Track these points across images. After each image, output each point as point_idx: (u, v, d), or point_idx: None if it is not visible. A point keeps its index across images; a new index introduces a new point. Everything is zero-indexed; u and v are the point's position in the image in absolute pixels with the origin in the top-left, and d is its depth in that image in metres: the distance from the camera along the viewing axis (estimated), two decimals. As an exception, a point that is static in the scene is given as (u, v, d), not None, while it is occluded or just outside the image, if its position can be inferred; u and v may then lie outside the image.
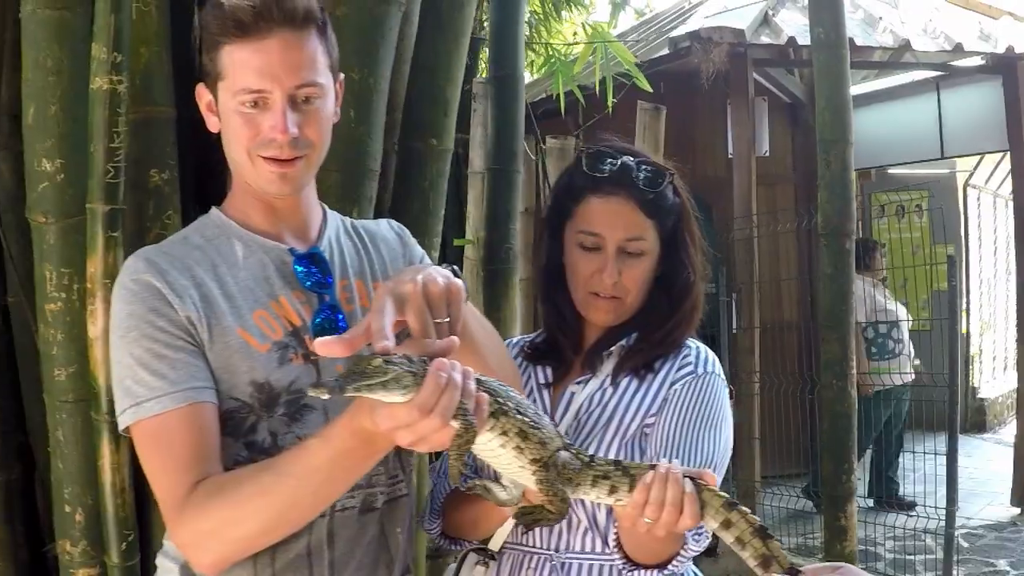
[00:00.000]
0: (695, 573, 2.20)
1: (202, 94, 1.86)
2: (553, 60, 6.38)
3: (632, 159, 2.13)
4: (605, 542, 2.04)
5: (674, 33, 8.12)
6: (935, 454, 6.40)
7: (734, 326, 7.21)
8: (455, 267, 1.75)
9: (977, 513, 7.80)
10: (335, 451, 1.57)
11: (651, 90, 5.10)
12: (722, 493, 1.69)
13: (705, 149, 8.74)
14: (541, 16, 7.43)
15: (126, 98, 2.18)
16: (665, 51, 7.89)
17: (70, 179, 2.22)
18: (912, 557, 6.59)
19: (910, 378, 7.73)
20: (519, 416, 1.64)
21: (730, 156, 8.15)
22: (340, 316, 1.88)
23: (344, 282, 1.94)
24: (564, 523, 2.01)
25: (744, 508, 1.68)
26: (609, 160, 2.12)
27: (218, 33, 1.75)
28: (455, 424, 1.48)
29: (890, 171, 10.61)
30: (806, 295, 8.94)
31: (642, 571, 1.96)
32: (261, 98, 1.75)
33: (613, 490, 1.69)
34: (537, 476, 1.68)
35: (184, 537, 1.69)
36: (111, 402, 2.20)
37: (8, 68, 2.36)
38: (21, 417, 2.52)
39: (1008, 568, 6.75)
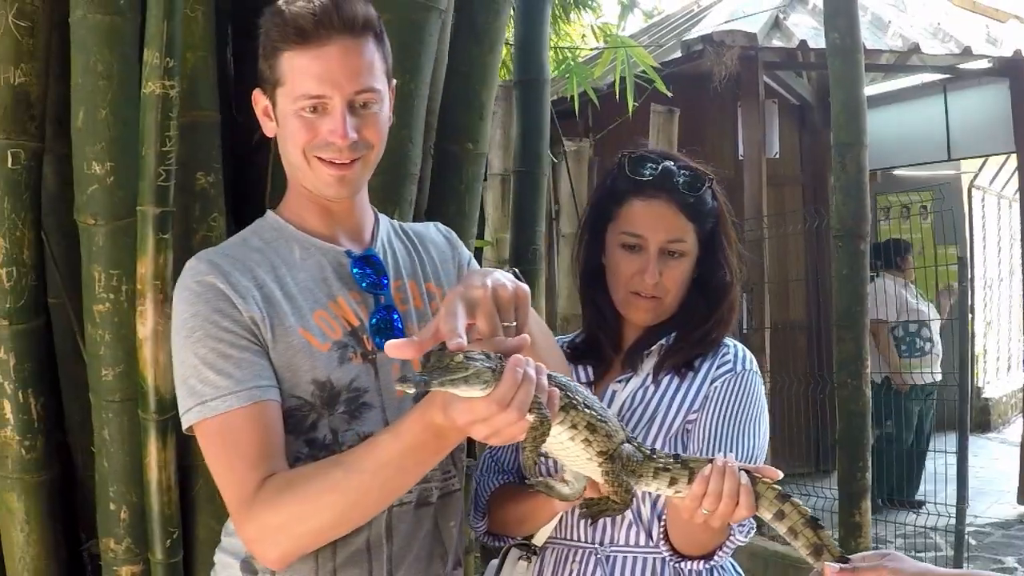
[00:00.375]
0: (733, 566, 2.25)
1: (259, 99, 1.91)
2: (567, 62, 6.41)
3: (673, 163, 2.20)
4: (649, 536, 2.10)
5: (686, 36, 8.15)
6: (944, 452, 6.44)
7: (745, 326, 7.24)
8: (516, 270, 1.79)
9: (984, 512, 7.83)
10: (405, 446, 1.60)
11: (669, 94, 5.14)
12: (775, 486, 1.74)
13: (715, 151, 8.73)
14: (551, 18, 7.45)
15: (177, 102, 2.21)
16: (676, 54, 7.95)
17: (119, 182, 2.25)
18: (922, 555, 6.60)
19: (939, 376, 7.78)
20: (587, 410, 1.69)
21: (740, 158, 8.18)
22: (396, 316, 1.93)
23: (398, 283, 1.99)
24: (609, 518, 2.07)
25: (796, 500, 1.74)
26: (651, 164, 2.19)
27: (278, 40, 1.80)
28: (530, 418, 1.52)
29: (895, 173, 10.64)
30: (813, 296, 8.99)
31: (688, 562, 2.02)
32: (320, 103, 1.80)
33: (673, 482, 1.75)
34: (603, 468, 1.72)
35: (251, 532, 1.71)
36: (159, 401, 2.25)
37: (42, 79, 2.37)
38: (60, 417, 2.53)
39: (1016, 565, 6.82)
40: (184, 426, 1.80)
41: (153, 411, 2.26)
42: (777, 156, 8.54)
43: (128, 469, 2.33)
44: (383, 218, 2.09)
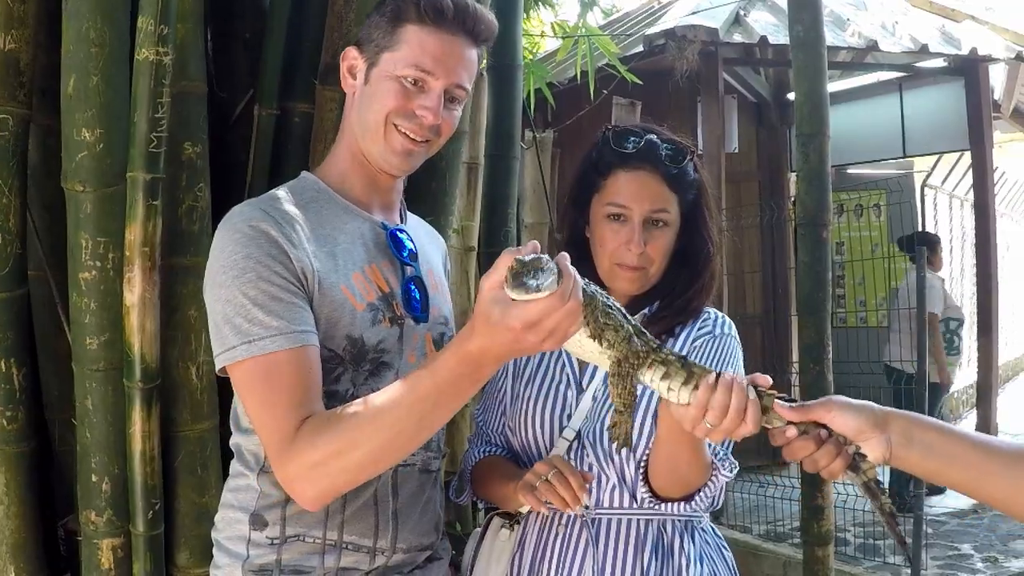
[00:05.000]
0: (713, 529, 2.30)
1: (348, 55, 2.01)
2: (525, 60, 6.44)
3: (656, 136, 2.24)
4: (633, 497, 2.13)
5: (648, 31, 8.21)
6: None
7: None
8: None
9: (940, 502, 7.96)
10: (442, 379, 1.62)
11: (639, 81, 5.18)
12: (781, 397, 1.73)
13: (673, 146, 8.82)
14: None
15: (169, 70, 2.22)
16: (636, 50, 7.97)
17: (108, 149, 2.25)
18: (879, 542, 6.74)
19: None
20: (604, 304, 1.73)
21: (699, 152, 8.24)
22: (419, 290, 2.04)
23: (424, 264, 2.11)
24: (593, 481, 2.11)
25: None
26: (634, 138, 2.23)
27: (412, 12, 1.92)
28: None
29: (849, 170, 10.76)
30: (769, 288, 9.09)
31: (669, 504, 2.07)
32: (424, 79, 1.93)
33: (666, 376, 1.72)
34: (612, 369, 1.74)
35: (291, 471, 1.72)
36: (144, 370, 2.26)
37: (31, 46, 2.37)
38: (38, 391, 2.52)
39: (972, 552, 6.94)
40: (221, 365, 1.81)
41: (139, 379, 2.26)
42: (736, 151, 8.63)
43: (111, 440, 2.33)
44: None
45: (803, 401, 1.71)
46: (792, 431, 1.70)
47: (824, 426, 1.68)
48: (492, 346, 1.56)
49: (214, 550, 2.00)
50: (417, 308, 2.02)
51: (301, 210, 1.91)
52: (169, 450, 2.41)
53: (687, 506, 2.09)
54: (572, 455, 2.16)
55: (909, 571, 6.18)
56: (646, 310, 2.25)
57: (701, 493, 2.07)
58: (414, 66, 1.91)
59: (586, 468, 2.14)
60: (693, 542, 2.18)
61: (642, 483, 2.07)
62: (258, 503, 1.92)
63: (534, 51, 9.35)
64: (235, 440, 1.99)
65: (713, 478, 2.06)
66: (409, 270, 2.03)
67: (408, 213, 2.20)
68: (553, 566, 2.16)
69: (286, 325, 1.76)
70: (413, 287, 2.02)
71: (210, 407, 2.41)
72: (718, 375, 1.71)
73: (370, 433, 1.67)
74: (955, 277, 12.20)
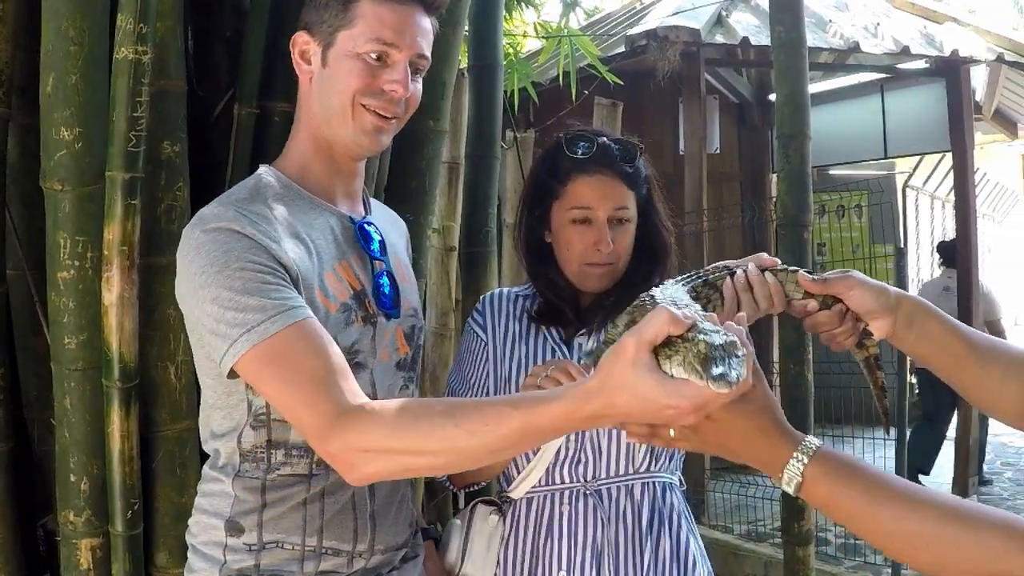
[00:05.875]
0: (685, 504, 2.39)
1: (300, 41, 1.94)
2: (509, 58, 6.44)
3: (606, 139, 2.35)
4: (631, 462, 2.26)
5: (630, 32, 8.21)
6: (883, 440, 6.54)
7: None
8: None
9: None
10: (535, 427, 1.48)
11: (620, 82, 5.18)
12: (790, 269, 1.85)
13: (656, 146, 8.83)
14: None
15: (149, 68, 2.21)
16: (618, 50, 7.98)
17: (87, 148, 2.23)
18: (860, 541, 6.74)
19: None
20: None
21: (681, 153, 8.27)
22: (390, 283, 2.00)
23: (390, 255, 2.07)
24: (592, 453, 2.25)
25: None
26: (585, 143, 2.34)
27: None
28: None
29: (831, 171, 10.80)
30: (749, 289, 9.09)
31: None
32: (387, 52, 1.88)
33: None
34: None
35: (334, 449, 1.61)
36: (123, 369, 2.24)
37: (11, 44, 2.36)
38: (17, 391, 2.51)
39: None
40: (228, 365, 1.71)
41: (117, 379, 2.25)
42: (717, 152, 8.66)
43: (90, 440, 2.31)
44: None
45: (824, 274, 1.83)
46: (813, 304, 1.81)
47: (840, 301, 1.81)
48: (614, 411, 1.40)
49: (189, 553, 1.98)
50: (388, 304, 1.98)
51: (271, 208, 1.85)
52: (148, 450, 2.40)
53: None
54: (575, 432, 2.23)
55: (890, 571, 6.20)
56: (614, 298, 2.33)
57: None
58: (375, 40, 1.86)
59: (587, 442, 2.26)
60: (676, 495, 2.34)
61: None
62: (233, 509, 1.88)
63: (517, 51, 9.35)
64: (208, 444, 1.96)
65: None
66: (379, 265, 1.99)
67: (371, 199, 2.16)
68: (564, 543, 2.25)
69: (281, 304, 1.68)
70: (384, 283, 1.98)
71: (189, 407, 2.40)
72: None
73: (435, 450, 1.55)
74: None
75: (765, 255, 1.89)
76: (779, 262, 1.86)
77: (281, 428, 1.86)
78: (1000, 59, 8.55)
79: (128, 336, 2.25)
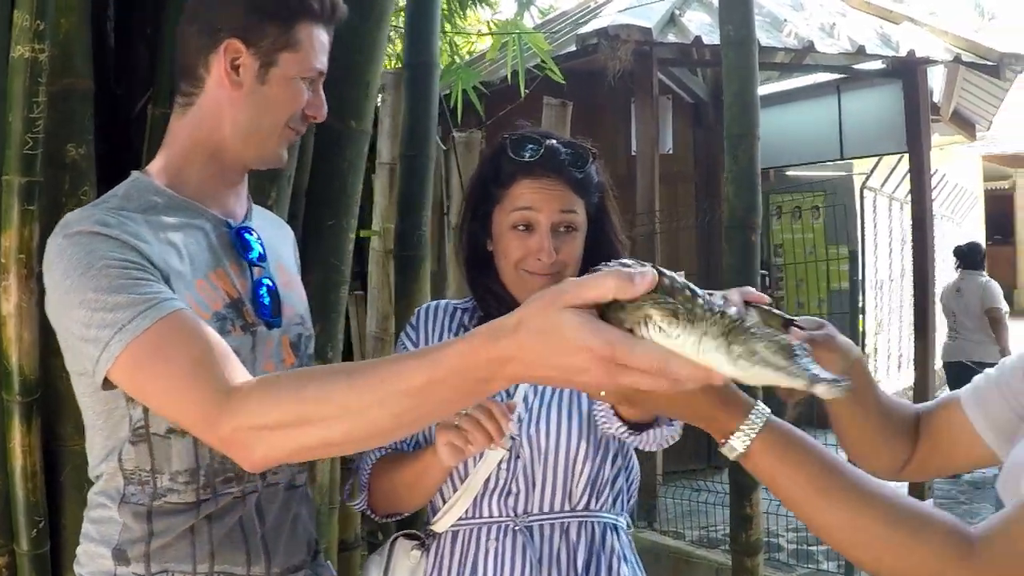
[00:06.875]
0: (631, 548, 2.24)
1: (232, 50, 1.83)
2: (455, 66, 6.42)
3: (555, 141, 2.19)
4: (567, 499, 2.12)
5: (581, 31, 8.16)
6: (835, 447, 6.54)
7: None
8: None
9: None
10: (440, 376, 1.26)
11: (563, 81, 5.14)
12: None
13: (608, 146, 8.76)
14: (446, 12, 7.44)
15: (47, 67, 2.12)
16: (570, 48, 7.93)
17: (-17, 151, 2.14)
18: (813, 548, 6.73)
19: None
20: None
21: (633, 153, 8.23)
22: (268, 291, 1.92)
23: (270, 259, 1.98)
24: (525, 485, 2.11)
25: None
26: (532, 146, 2.17)
27: (300, 9, 1.85)
28: None
29: (788, 172, 10.81)
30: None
31: (646, 433, 1.95)
32: (317, 78, 1.91)
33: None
34: None
35: (224, 433, 1.46)
36: (23, 382, 2.16)
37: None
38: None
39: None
40: (104, 369, 1.59)
41: (17, 393, 2.18)
42: (671, 152, 8.62)
43: (-10, 456, 2.22)
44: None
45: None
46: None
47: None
48: (521, 356, 1.19)
49: None
50: (268, 313, 1.89)
51: (141, 212, 1.76)
52: (55, 465, 2.32)
53: (668, 429, 1.96)
54: (506, 461, 2.12)
55: (842, 577, 6.20)
56: None
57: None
58: (313, 69, 1.88)
59: (520, 473, 2.12)
60: (619, 539, 2.18)
61: (615, 418, 1.86)
62: (121, 536, 1.78)
63: (471, 51, 9.31)
64: (93, 470, 1.86)
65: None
66: (257, 271, 1.90)
67: (254, 205, 2.06)
68: None
69: (152, 297, 1.58)
70: (263, 292, 1.90)
71: (95, 420, 2.31)
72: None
73: (329, 416, 1.37)
74: (893, 279, 12.31)
75: (752, 289, 1.68)
76: (768, 299, 1.69)
77: (162, 444, 1.76)
78: (958, 60, 8.57)
79: (28, 348, 2.17)
